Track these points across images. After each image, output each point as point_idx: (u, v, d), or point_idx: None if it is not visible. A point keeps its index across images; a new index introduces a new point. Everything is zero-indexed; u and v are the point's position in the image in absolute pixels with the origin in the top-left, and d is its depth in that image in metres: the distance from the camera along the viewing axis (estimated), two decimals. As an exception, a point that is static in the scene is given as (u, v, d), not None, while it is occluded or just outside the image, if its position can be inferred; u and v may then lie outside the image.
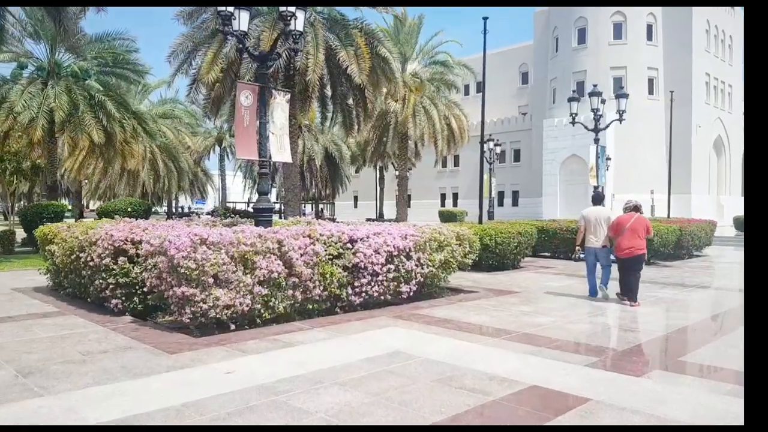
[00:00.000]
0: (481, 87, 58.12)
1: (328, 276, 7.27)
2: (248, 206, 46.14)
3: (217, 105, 21.48)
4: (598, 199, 9.40)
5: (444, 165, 57.73)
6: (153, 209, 62.20)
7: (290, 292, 6.95)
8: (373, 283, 7.77)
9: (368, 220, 45.23)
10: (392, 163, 45.62)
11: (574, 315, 7.77)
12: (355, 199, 66.63)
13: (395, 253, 8.03)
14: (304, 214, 40.66)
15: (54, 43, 23.66)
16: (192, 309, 6.26)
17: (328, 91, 22.08)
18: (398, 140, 32.90)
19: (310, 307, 7.28)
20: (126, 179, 40.38)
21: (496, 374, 4.68)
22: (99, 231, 7.79)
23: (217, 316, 6.30)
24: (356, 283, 7.66)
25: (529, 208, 48.34)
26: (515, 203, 53.05)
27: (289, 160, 10.54)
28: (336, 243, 7.53)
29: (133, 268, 7.29)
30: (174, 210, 56.42)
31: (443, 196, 59.29)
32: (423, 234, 8.52)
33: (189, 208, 65.84)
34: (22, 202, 39.60)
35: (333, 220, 49.39)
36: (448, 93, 34.60)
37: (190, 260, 6.20)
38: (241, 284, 6.46)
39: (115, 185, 41.44)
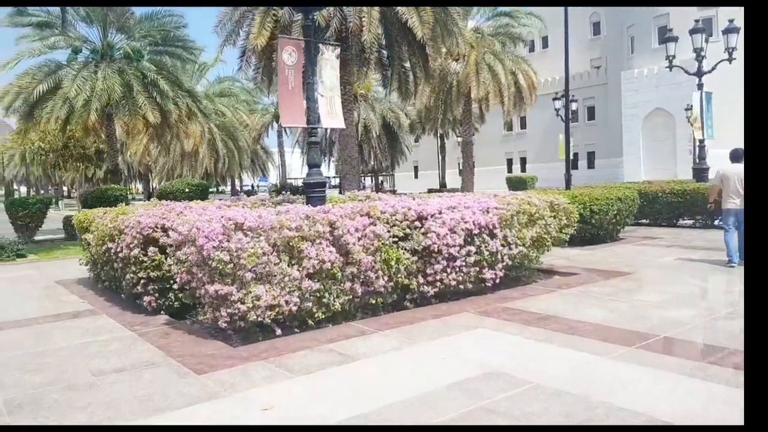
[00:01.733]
0: (546, 42, 54.39)
1: (393, 263, 5.92)
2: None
3: (269, 76, 20.35)
4: (737, 156, 8.18)
5: (509, 128, 54.97)
6: (220, 188, 63.35)
7: (348, 284, 5.66)
8: (449, 270, 6.36)
9: (430, 190, 43.62)
10: (454, 130, 43.61)
11: (720, 303, 6.08)
12: (416, 169, 64.93)
13: (476, 232, 6.55)
14: (364, 188, 39.61)
15: (105, 24, 23.27)
16: (228, 311, 5.09)
17: (385, 53, 20.54)
18: (462, 103, 30.87)
19: (373, 301, 5.97)
20: (187, 160, 40.60)
21: (656, 416, 3.15)
22: (128, 218, 6.76)
23: (259, 318, 5.10)
24: (428, 271, 6.26)
25: (607, 170, 45.02)
26: (591, 165, 49.71)
27: (342, 125, 9.17)
28: (401, 222, 6.14)
29: (165, 259, 6.23)
30: (240, 189, 56.96)
31: (509, 162, 56.56)
32: (509, 206, 6.98)
33: (253, 186, 66.28)
34: (85, 186, 40.78)
35: (393, 192, 48.14)
36: (514, 48, 32.03)
37: (223, 251, 5.01)
38: (287, 278, 5.22)
39: (177, 167, 41.80)
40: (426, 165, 62.02)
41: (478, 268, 6.68)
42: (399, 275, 6.03)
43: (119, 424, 3.41)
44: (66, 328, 6.02)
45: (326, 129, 41.31)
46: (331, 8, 16.77)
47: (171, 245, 5.78)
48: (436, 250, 6.20)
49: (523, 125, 54.34)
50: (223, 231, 5.10)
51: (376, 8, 16.53)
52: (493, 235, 6.74)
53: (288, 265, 5.29)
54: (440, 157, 48.10)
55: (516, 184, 41.03)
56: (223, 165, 41.35)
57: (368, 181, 57.97)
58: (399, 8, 17.09)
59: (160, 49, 24.34)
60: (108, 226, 7.05)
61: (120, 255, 6.62)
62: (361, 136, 38.26)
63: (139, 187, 74.81)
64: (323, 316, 5.55)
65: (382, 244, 5.84)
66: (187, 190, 20.64)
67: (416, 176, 64.69)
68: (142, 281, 6.37)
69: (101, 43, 23.48)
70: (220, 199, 10.90)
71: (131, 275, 6.48)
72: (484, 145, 51.78)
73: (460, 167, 37.01)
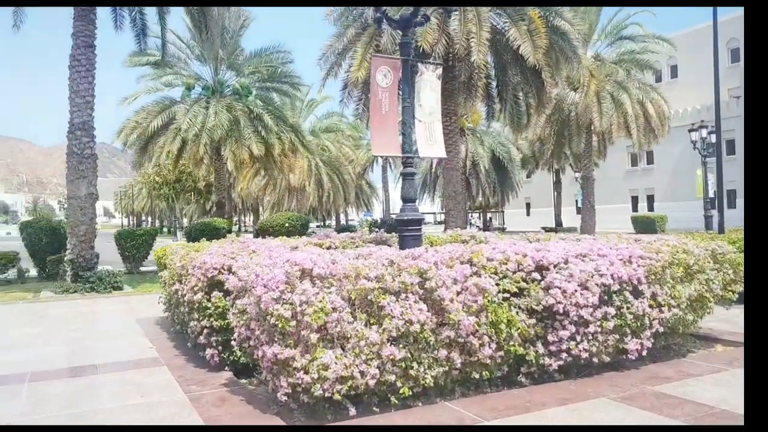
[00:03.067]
0: (675, 71, 50.38)
1: (503, 326, 4.63)
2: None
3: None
4: None
5: (634, 163, 51.13)
6: (326, 223, 64.54)
7: (443, 352, 4.45)
8: (578, 337, 4.95)
9: (544, 229, 41.14)
10: (570, 165, 41.08)
11: None
12: (527, 206, 62.19)
13: (615, 288, 5.10)
14: (470, 224, 38.05)
15: (217, 62, 24.36)
16: (289, 380, 4.08)
17: (493, 84, 19.41)
18: (582, 135, 28.76)
19: (477, 375, 4.69)
20: (293, 195, 41.60)
21: None
22: (196, 256, 6.07)
23: (326, 393, 4.03)
24: (551, 338, 4.89)
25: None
26: (731, 205, 44.57)
27: (442, 154, 8.09)
28: (514, 273, 4.87)
29: (232, 306, 5.39)
30: (346, 223, 57.61)
31: (634, 200, 52.32)
32: (659, 254, 5.43)
33: (348, 221, 66.78)
34: (193, 219, 42.92)
35: (503, 230, 46.11)
36: (641, 75, 29.49)
37: (285, 304, 4.04)
38: (363, 342, 4.12)
39: (283, 201, 42.98)
40: (539, 202, 59.26)
41: (617, 336, 5.19)
42: (511, 342, 4.72)
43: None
44: (119, 383, 5.33)
45: (431, 162, 40.63)
46: (436, 33, 16.02)
47: (231, 292, 4.93)
48: (561, 311, 4.83)
49: (650, 160, 50.25)
50: (286, 279, 4.14)
51: (486, 30, 15.50)
52: (638, 293, 5.23)
53: (365, 326, 4.21)
54: (555, 194, 45.57)
55: (643, 225, 37.58)
56: (327, 199, 41.90)
57: (475, 217, 56.34)
58: (510, 34, 15.99)
59: (267, 85, 25.06)
60: (176, 265, 6.42)
61: (184, 298, 5.91)
62: (469, 170, 37.08)
63: (250, 221, 78.64)
64: (410, 392, 4.37)
65: (489, 301, 4.58)
66: (287, 224, 20.54)
67: (528, 213, 61.97)
68: (205, 330, 5.58)
69: (213, 80, 24.59)
70: (315, 233, 10.17)
71: (195, 322, 5.73)
72: (604, 181, 48.37)
73: (578, 204, 34.51)
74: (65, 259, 13.01)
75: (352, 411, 4.16)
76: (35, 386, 5.23)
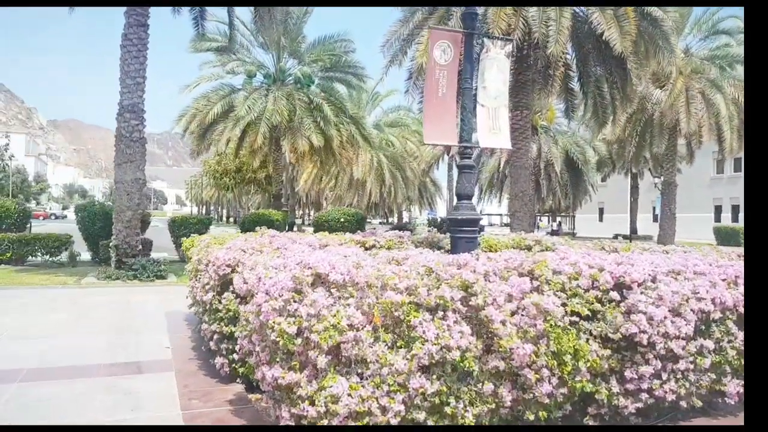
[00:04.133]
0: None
1: (568, 357, 3.70)
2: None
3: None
4: None
5: (720, 170, 47.57)
6: (389, 220, 63.97)
7: (489, 386, 3.57)
8: (665, 375, 3.94)
9: (617, 236, 38.80)
10: (649, 169, 38.57)
11: None
12: (600, 211, 59.25)
13: (715, 316, 4.05)
14: (538, 228, 36.39)
15: (279, 50, 24.13)
16: (292, 411, 3.32)
17: (572, 74, 18.06)
18: (665, 137, 26.66)
19: (531, 415, 3.78)
20: (355, 190, 41.26)
21: None
22: (213, 251, 5.44)
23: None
24: (628, 374, 3.91)
25: None
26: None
27: (507, 145, 7.09)
28: (586, 291, 3.91)
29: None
30: (408, 221, 56.91)
31: (718, 209, 48.66)
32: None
33: (411, 218, 65.77)
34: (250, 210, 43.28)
35: (572, 235, 43.88)
36: (736, 72, 26.97)
37: (289, 317, 3.29)
38: (386, 370, 3.31)
39: (344, 196, 42.72)
40: (613, 207, 56.38)
41: (714, 375, 4.14)
42: (577, 378, 3.77)
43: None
44: (113, 390, 4.76)
45: (499, 159, 39.13)
46: (512, 20, 14.91)
47: (239, 295, 4.24)
48: (645, 342, 3.83)
49: (737, 167, 46.54)
50: (293, 285, 3.39)
51: (567, 16, 14.26)
52: (742, 323, 4.14)
53: (390, 348, 3.39)
54: (631, 199, 43.00)
55: (726, 237, 34.75)
56: (388, 196, 41.25)
57: (545, 221, 54.31)
58: (593, 19, 14.66)
59: (329, 75, 24.60)
60: (194, 259, 5.84)
61: (197, 298, 5.30)
62: (541, 171, 35.45)
63: (313, 215, 79.37)
64: (444, 435, 3.52)
65: (552, 325, 3.66)
66: (342, 219, 20.01)
67: (600, 219, 59.07)
68: (215, 336, 4.94)
69: (275, 68, 24.38)
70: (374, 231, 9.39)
71: (206, 325, 5.10)
72: (684, 188, 45.17)
73: (655, 212, 32.23)
74: (110, 244, 12.92)
75: (369, 455, 3.37)
76: (23, 388, 4.73)
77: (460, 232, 6.46)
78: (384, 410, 3.31)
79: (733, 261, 4.75)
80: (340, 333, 3.27)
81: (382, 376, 3.33)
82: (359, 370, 3.36)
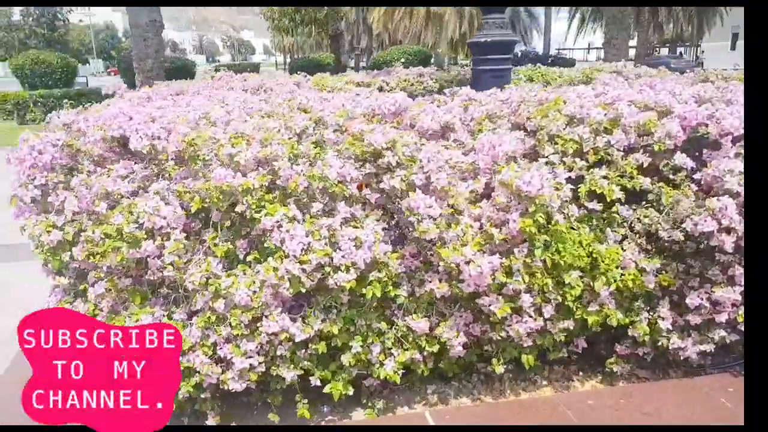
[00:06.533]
0: None
1: (574, 273, 2.11)
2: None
3: None
4: None
5: None
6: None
7: (420, 322, 2.11)
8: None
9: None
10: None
11: None
12: (734, 37, 51.33)
13: None
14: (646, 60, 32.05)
15: None
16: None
17: None
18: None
19: (500, 363, 2.33)
20: (432, 25, 37.98)
21: None
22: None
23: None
24: (691, 298, 2.27)
25: None
26: None
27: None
28: (625, 154, 2.18)
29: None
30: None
31: None
32: None
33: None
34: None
35: (700, 65, 38.30)
36: None
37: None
38: (220, 303, 1.93)
39: (421, 33, 39.54)
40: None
41: None
42: (594, 305, 2.22)
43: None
44: None
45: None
46: None
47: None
48: (729, 246, 2.15)
49: None
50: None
51: None
52: None
53: (231, 268, 1.99)
54: None
55: None
56: (469, 32, 37.54)
57: (664, 52, 48.35)
58: None
59: None
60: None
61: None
62: (655, -10, 30.24)
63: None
64: (277, 391, 2.20)
65: (537, 224, 2.03)
66: (403, 59, 17.94)
67: (733, 47, 51.32)
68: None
69: None
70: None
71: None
72: None
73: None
74: (134, 97, 12.06)
75: (210, 419, 2.14)
76: None
77: (484, 63, 4.68)
78: (228, 365, 2.00)
79: None
80: (132, 244, 1.88)
81: (219, 313, 1.96)
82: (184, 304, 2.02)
